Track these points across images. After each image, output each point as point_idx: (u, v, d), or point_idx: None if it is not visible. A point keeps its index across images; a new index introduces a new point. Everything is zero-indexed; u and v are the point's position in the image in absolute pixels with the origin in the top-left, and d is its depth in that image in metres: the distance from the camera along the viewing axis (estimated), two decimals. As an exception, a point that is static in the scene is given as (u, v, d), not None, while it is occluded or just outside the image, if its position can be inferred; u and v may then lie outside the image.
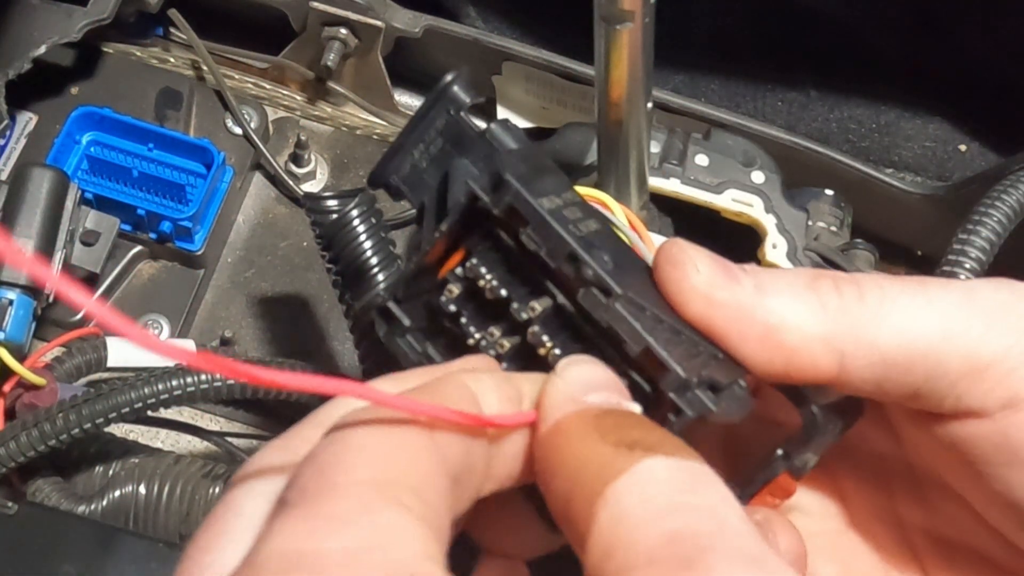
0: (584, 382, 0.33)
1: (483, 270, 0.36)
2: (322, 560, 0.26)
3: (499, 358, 0.36)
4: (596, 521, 0.28)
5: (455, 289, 0.37)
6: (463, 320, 0.37)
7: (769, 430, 0.39)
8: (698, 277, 0.35)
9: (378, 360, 0.61)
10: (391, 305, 0.37)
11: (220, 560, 0.29)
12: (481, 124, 0.42)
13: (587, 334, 0.35)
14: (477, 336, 0.37)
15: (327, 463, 0.29)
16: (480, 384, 0.33)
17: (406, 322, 0.37)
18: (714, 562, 0.27)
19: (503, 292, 0.36)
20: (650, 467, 0.29)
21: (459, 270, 0.37)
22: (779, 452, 0.38)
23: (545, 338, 0.36)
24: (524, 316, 0.36)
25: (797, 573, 0.34)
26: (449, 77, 0.41)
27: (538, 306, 0.36)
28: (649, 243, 0.42)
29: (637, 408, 0.33)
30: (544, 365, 0.35)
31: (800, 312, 0.35)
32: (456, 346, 0.37)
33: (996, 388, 0.34)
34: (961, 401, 0.35)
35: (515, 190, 0.35)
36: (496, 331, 0.37)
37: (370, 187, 0.44)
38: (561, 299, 0.36)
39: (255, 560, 0.27)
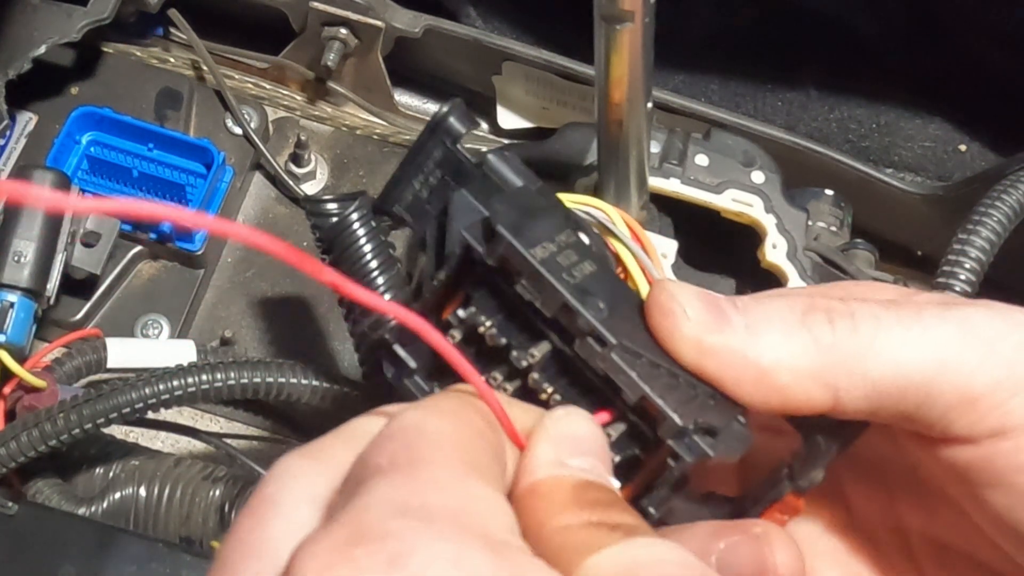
0: (571, 442, 0.33)
1: (482, 317, 0.37)
2: (429, 512, 0.27)
3: None
4: None
5: (456, 335, 0.37)
6: None
7: (779, 438, 0.39)
8: (688, 326, 0.36)
9: (377, 364, 0.61)
10: (397, 348, 0.38)
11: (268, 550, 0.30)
12: (487, 131, 0.42)
13: (587, 379, 0.36)
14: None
15: (410, 439, 0.30)
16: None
17: (412, 364, 0.38)
18: None
19: (503, 340, 0.37)
20: (633, 547, 0.30)
21: (461, 312, 0.37)
22: (784, 471, 0.38)
23: (546, 384, 0.36)
24: (524, 364, 0.36)
25: None
26: (444, 109, 0.41)
27: (537, 353, 0.36)
28: (650, 249, 0.41)
29: (616, 484, 0.34)
30: (547, 408, 0.36)
31: (793, 351, 0.35)
32: None
33: (985, 418, 0.35)
34: (950, 429, 0.35)
35: (507, 242, 0.35)
36: (499, 375, 0.37)
37: (376, 214, 0.45)
38: (560, 344, 0.36)
39: (359, 506, 0.28)
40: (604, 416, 0.35)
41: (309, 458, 0.32)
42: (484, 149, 0.87)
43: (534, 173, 0.41)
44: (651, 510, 0.35)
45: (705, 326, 0.36)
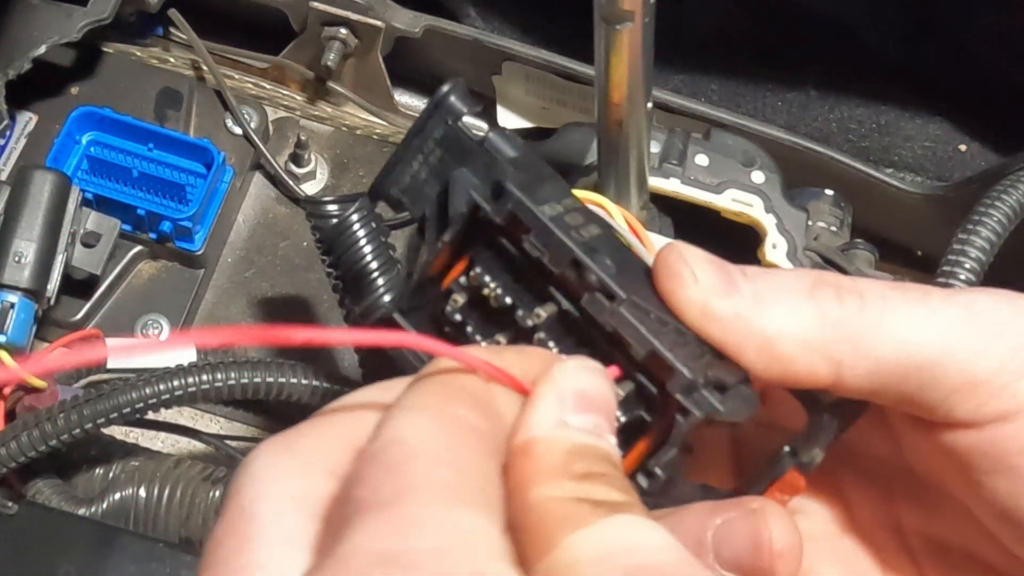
0: (578, 398, 0.32)
1: (487, 278, 0.37)
2: (413, 559, 0.26)
3: None
4: (548, 559, 0.28)
5: (459, 299, 0.37)
6: (469, 329, 0.37)
7: (774, 433, 0.39)
8: (695, 289, 0.35)
9: (377, 365, 0.61)
10: (397, 316, 0.38)
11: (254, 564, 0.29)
12: (479, 132, 0.42)
13: (592, 338, 0.35)
14: (483, 344, 0.37)
15: (395, 463, 0.29)
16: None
17: (412, 333, 0.38)
18: None
19: (508, 300, 0.36)
20: (612, 525, 0.29)
21: (463, 279, 0.37)
22: (786, 449, 0.38)
23: (551, 344, 0.36)
24: (529, 323, 0.36)
25: None
26: (446, 87, 0.41)
27: (543, 312, 0.36)
28: (649, 246, 0.42)
29: (614, 446, 0.33)
30: None
31: (799, 322, 0.35)
32: None
33: (988, 402, 0.35)
34: (952, 412, 0.35)
35: (516, 198, 0.35)
36: (502, 339, 0.37)
37: (370, 199, 0.44)
38: (566, 304, 0.36)
39: (341, 555, 0.27)
40: (612, 371, 0.35)
41: (288, 454, 0.30)
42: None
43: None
44: (657, 471, 0.35)
45: (712, 290, 0.35)
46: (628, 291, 0.34)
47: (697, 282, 0.35)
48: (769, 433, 0.40)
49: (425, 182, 0.42)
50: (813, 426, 0.38)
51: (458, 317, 0.37)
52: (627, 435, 0.35)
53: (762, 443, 0.40)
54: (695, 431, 0.34)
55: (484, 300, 0.37)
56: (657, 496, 0.35)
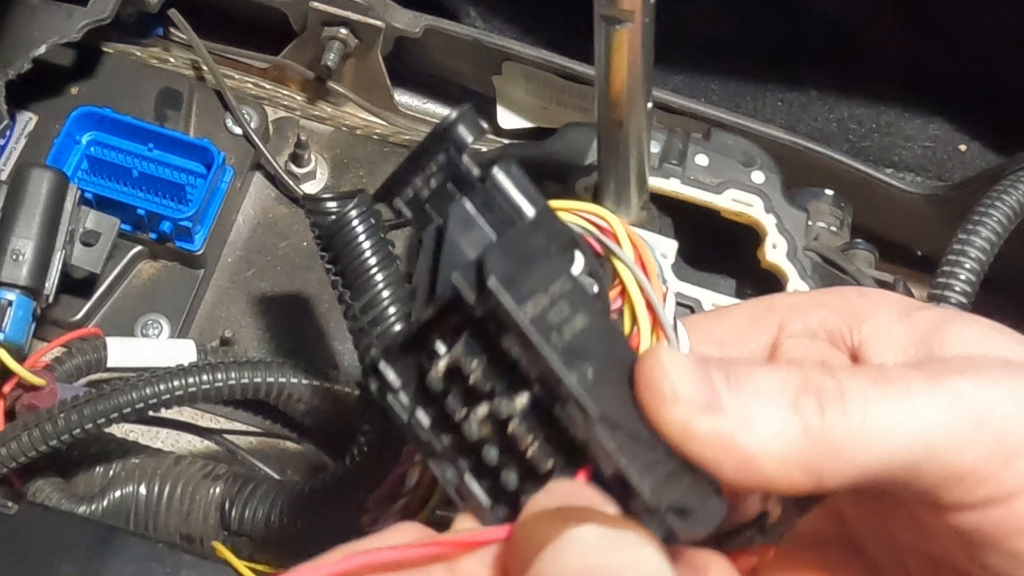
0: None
1: (468, 359, 0.36)
2: None
3: (482, 441, 0.37)
4: None
5: (442, 367, 0.37)
6: (449, 400, 0.37)
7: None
8: (676, 409, 0.35)
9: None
10: (382, 366, 0.38)
11: None
12: (487, 130, 0.41)
13: (567, 434, 0.35)
14: (462, 415, 0.37)
15: None
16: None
17: (396, 384, 0.38)
18: None
19: (487, 386, 0.36)
20: (575, 535, 0.29)
21: (444, 349, 0.37)
22: (756, 524, 0.39)
23: (527, 435, 0.36)
24: (505, 414, 0.36)
25: None
26: (454, 115, 0.41)
27: (518, 404, 0.36)
28: (655, 280, 0.41)
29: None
30: (524, 459, 0.36)
31: (780, 440, 0.35)
32: (444, 415, 0.38)
33: (976, 490, 0.35)
34: (940, 500, 0.35)
35: (495, 298, 0.35)
36: (481, 411, 0.37)
37: (376, 202, 0.44)
38: (541, 397, 0.36)
39: None
40: (582, 475, 0.35)
41: None
42: (484, 149, 0.87)
43: (537, 191, 0.40)
44: None
45: (694, 408, 0.35)
46: (602, 403, 0.34)
47: (678, 400, 0.35)
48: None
49: (427, 200, 0.41)
50: (784, 512, 0.39)
51: (440, 387, 0.37)
52: None
53: None
54: None
55: (463, 376, 0.37)
56: None
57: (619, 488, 0.34)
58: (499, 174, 0.40)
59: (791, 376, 0.36)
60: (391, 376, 0.38)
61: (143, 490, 0.68)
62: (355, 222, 0.58)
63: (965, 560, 0.37)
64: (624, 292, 0.40)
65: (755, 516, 0.39)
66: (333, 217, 0.58)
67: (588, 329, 0.36)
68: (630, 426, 0.35)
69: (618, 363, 0.36)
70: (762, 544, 0.39)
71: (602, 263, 0.41)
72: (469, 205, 0.40)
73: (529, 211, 0.39)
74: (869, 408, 0.35)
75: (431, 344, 0.37)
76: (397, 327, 0.57)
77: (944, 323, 0.38)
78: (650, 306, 0.40)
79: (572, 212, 0.42)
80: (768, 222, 0.73)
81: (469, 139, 0.41)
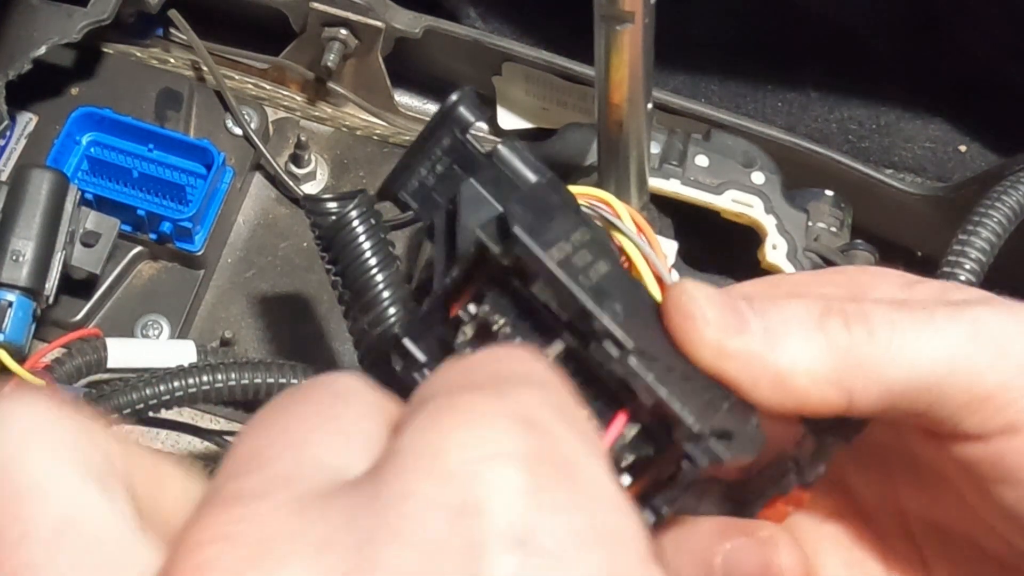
0: None
1: (495, 316, 0.36)
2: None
3: None
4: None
5: (468, 331, 0.37)
6: None
7: (777, 424, 0.40)
8: (708, 330, 0.36)
9: (377, 363, 0.61)
10: (407, 342, 0.38)
11: None
12: (489, 141, 0.42)
13: (601, 378, 0.36)
14: None
15: None
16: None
17: (422, 359, 0.38)
18: None
19: (517, 340, 0.36)
20: None
21: (472, 309, 0.37)
22: (790, 465, 0.39)
23: None
24: None
25: None
26: (455, 96, 0.41)
27: (551, 352, 0.36)
28: (656, 246, 0.41)
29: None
30: None
31: (811, 356, 0.36)
32: None
33: (995, 416, 0.36)
34: (960, 427, 0.36)
35: (522, 244, 0.35)
36: None
37: (379, 200, 0.44)
38: (573, 343, 0.36)
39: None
40: (621, 417, 0.35)
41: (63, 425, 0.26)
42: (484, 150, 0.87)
43: (543, 164, 0.41)
44: (664, 509, 0.35)
45: (725, 330, 0.36)
46: (636, 337, 0.35)
47: (709, 323, 0.36)
48: (775, 422, 0.40)
49: (433, 188, 0.42)
50: (817, 447, 0.38)
51: (468, 351, 0.37)
52: (635, 472, 0.36)
53: (769, 432, 0.40)
54: (700, 476, 0.35)
55: (492, 334, 0.37)
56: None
57: (660, 423, 0.35)
58: (504, 150, 0.40)
59: (814, 302, 0.37)
60: (416, 352, 0.38)
61: (143, 491, 0.68)
62: (355, 222, 0.58)
63: (979, 502, 0.38)
64: (630, 263, 0.41)
65: (791, 455, 0.39)
66: (333, 217, 0.58)
67: (611, 273, 0.37)
68: (665, 359, 0.35)
69: (642, 303, 0.37)
70: (798, 486, 0.39)
71: (610, 239, 0.42)
72: (478, 183, 0.40)
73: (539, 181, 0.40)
74: (895, 330, 0.36)
75: (455, 311, 0.37)
76: (398, 327, 0.57)
77: (945, 293, 0.39)
78: (656, 274, 0.41)
79: (576, 195, 0.43)
80: (768, 223, 0.73)
81: (471, 119, 0.41)
